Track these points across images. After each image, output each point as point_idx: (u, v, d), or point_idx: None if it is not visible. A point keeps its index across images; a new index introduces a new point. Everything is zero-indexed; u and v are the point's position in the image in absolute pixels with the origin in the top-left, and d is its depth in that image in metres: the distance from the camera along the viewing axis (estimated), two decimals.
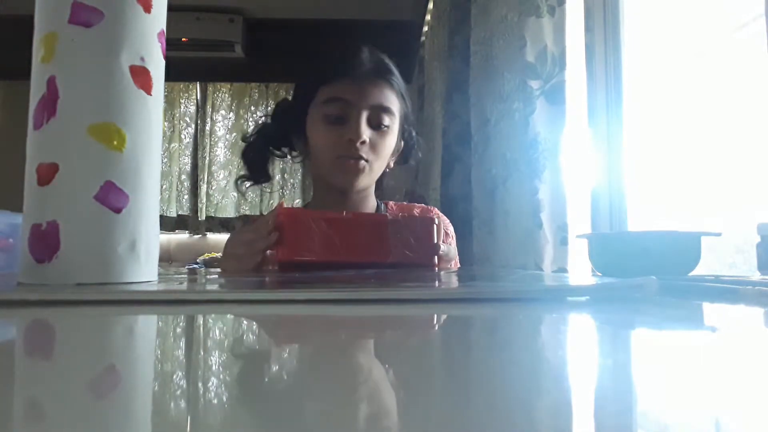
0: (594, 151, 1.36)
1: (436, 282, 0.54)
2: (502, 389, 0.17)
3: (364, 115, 0.89)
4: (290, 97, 1.01)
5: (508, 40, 1.37)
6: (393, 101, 0.93)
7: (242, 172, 1.02)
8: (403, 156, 1.03)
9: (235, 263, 0.78)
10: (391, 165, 1.00)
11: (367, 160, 0.91)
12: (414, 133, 1.03)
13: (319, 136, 0.92)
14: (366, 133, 0.89)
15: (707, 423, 0.14)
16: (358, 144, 0.88)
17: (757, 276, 0.62)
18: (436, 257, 0.75)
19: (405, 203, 1.09)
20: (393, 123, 0.93)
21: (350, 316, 0.34)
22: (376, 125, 0.91)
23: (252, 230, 0.75)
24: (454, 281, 0.59)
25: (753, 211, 1.08)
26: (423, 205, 1.09)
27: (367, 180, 0.94)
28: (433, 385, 0.18)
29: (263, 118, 1.05)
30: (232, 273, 0.73)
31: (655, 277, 0.40)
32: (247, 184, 1.01)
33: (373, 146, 0.91)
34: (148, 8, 0.45)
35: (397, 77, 0.95)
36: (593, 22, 1.39)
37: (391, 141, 0.94)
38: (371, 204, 1.02)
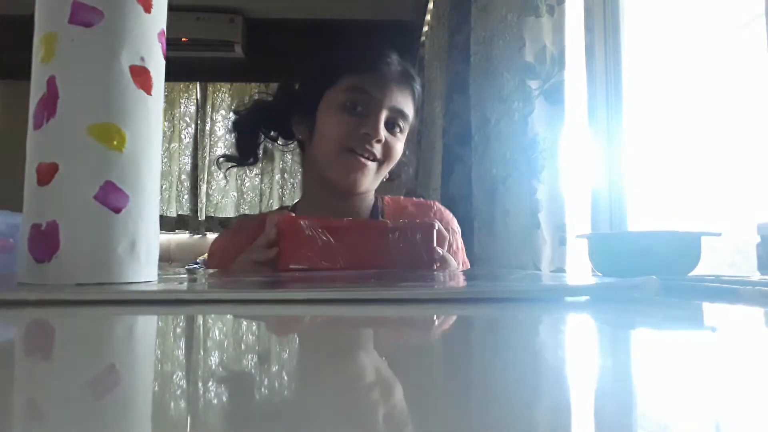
0: (594, 151, 1.36)
1: (436, 282, 0.54)
2: (502, 389, 0.17)
3: (384, 114, 0.87)
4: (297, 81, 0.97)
5: (508, 40, 1.37)
6: (410, 109, 0.91)
7: (226, 152, 0.97)
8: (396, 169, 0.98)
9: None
10: (387, 175, 0.95)
11: (376, 160, 0.88)
12: (407, 152, 0.98)
13: (332, 123, 0.88)
14: (383, 131, 0.87)
15: (707, 423, 0.14)
16: (374, 141, 0.86)
17: (757, 276, 0.62)
18: (436, 264, 0.75)
19: (401, 198, 1.04)
20: (405, 130, 0.91)
21: (350, 316, 0.34)
22: (391, 128, 0.89)
23: (253, 250, 0.74)
24: (454, 281, 0.59)
25: (753, 211, 1.08)
26: (422, 199, 1.03)
27: (370, 183, 0.90)
28: (433, 385, 0.18)
29: (258, 95, 1.00)
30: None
31: (656, 277, 0.39)
32: (229, 165, 0.96)
33: (387, 147, 0.88)
34: (148, 8, 0.45)
35: (419, 88, 0.93)
36: (593, 21, 1.39)
37: (401, 147, 0.91)
38: (368, 200, 0.97)
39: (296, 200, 1.04)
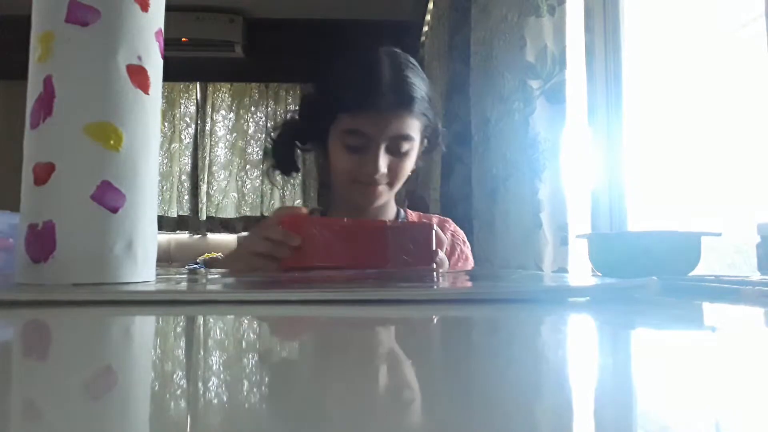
0: (594, 151, 1.35)
1: (436, 283, 0.54)
2: (503, 390, 0.17)
3: (383, 148, 0.88)
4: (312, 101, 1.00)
5: (508, 40, 1.37)
6: (413, 126, 0.91)
7: (269, 163, 1.03)
8: (426, 153, 1.01)
9: (242, 265, 0.77)
10: (414, 169, 0.98)
11: (384, 183, 0.92)
12: (440, 126, 1.00)
13: (338, 160, 0.92)
14: (384, 165, 0.89)
15: (707, 423, 0.14)
16: (376, 177, 0.89)
17: (757, 276, 0.62)
18: (434, 263, 0.75)
19: (422, 214, 1.10)
20: (413, 145, 0.92)
21: (349, 316, 0.33)
22: (395, 152, 0.90)
23: (255, 241, 0.73)
24: (454, 282, 0.59)
25: (753, 211, 1.08)
26: (439, 216, 1.10)
27: (386, 198, 0.95)
28: (433, 386, 0.18)
29: (289, 114, 1.05)
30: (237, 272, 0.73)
31: (656, 277, 0.39)
32: (277, 173, 1.02)
33: (392, 171, 0.91)
34: (145, 7, 0.44)
35: (419, 94, 0.90)
36: (593, 21, 1.39)
37: (410, 162, 0.93)
38: (391, 211, 1.03)
39: (297, 200, 1.07)
